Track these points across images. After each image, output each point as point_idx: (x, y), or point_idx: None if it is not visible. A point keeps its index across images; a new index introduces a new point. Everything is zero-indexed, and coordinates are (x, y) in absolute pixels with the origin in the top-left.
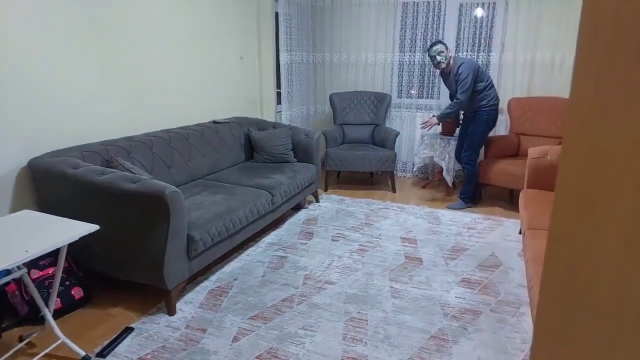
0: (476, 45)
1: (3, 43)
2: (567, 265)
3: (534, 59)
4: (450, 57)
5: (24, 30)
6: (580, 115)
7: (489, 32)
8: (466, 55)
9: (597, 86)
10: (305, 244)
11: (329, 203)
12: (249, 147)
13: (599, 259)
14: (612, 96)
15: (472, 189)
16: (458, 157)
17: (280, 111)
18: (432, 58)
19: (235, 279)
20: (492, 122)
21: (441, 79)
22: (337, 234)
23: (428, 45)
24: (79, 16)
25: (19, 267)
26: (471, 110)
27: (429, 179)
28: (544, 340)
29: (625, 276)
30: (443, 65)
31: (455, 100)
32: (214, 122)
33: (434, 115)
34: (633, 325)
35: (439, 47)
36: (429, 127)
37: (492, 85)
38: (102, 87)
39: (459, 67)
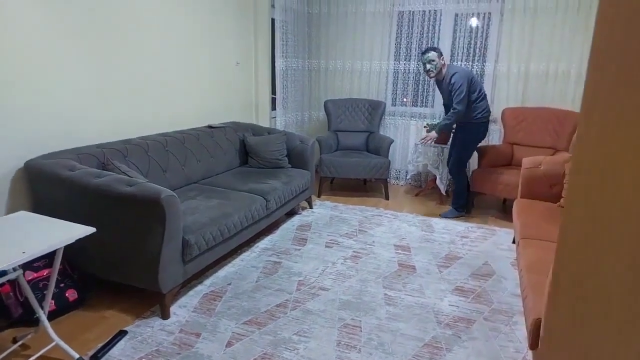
0: (471, 55)
1: (0, 45)
2: (575, 279)
3: (528, 69)
4: (443, 64)
5: (22, 33)
6: (591, 136)
7: (483, 42)
8: (461, 65)
9: (607, 106)
10: (299, 249)
11: (323, 209)
12: (244, 152)
13: (606, 274)
14: (622, 116)
15: (464, 198)
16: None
17: (275, 117)
18: (423, 65)
19: (229, 284)
20: (482, 134)
21: (436, 86)
22: (330, 240)
23: (422, 52)
24: (76, 20)
25: (14, 269)
26: (462, 121)
27: (422, 187)
28: (552, 350)
29: (634, 292)
30: (432, 74)
31: (452, 110)
32: (210, 126)
33: (426, 127)
34: None
35: (431, 55)
36: (430, 142)
37: (485, 97)
38: (99, 90)
39: (452, 77)
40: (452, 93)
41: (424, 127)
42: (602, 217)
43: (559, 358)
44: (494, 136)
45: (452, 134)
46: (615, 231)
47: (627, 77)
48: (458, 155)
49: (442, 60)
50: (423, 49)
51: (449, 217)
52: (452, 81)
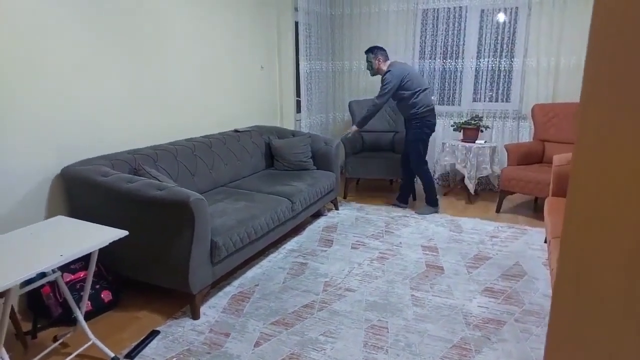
0: (498, 51)
1: (37, 58)
2: (576, 275)
3: (558, 63)
4: (379, 64)
5: (56, 45)
6: (591, 126)
7: (511, 37)
8: (487, 62)
9: (607, 98)
10: (325, 251)
11: (349, 210)
12: (270, 155)
13: (606, 270)
14: (622, 106)
15: (434, 193)
16: (402, 164)
17: (300, 119)
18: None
19: (257, 285)
20: (427, 128)
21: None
22: (356, 241)
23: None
24: (109, 34)
25: (53, 271)
26: (405, 117)
27: (451, 186)
28: (557, 344)
29: (631, 287)
30: (370, 75)
31: (371, 103)
32: (236, 130)
33: (453, 126)
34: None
35: (368, 56)
36: (350, 134)
37: (424, 92)
38: (129, 98)
39: (385, 74)
40: (380, 89)
41: (451, 126)
42: (598, 215)
43: (564, 354)
44: (524, 133)
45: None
46: (611, 230)
47: (625, 69)
48: (414, 152)
49: (378, 60)
50: (449, 50)
51: (425, 214)
52: (384, 77)
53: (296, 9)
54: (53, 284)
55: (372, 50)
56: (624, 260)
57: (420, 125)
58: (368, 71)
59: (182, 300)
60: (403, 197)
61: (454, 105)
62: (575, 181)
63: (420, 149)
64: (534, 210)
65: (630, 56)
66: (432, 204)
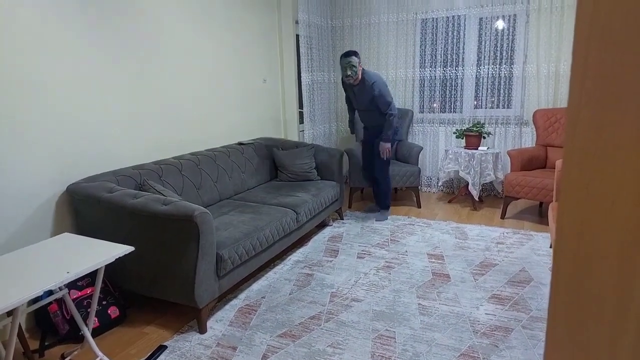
0: (498, 58)
1: (40, 75)
2: (572, 277)
3: (557, 69)
4: (360, 68)
5: (60, 61)
6: (578, 133)
7: (510, 44)
8: (488, 69)
9: (597, 100)
10: (331, 261)
11: (354, 220)
12: (274, 166)
13: (600, 271)
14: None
15: (390, 197)
16: (366, 172)
17: (303, 130)
18: (344, 69)
19: (263, 297)
20: (396, 135)
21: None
22: (362, 251)
23: (343, 53)
24: (111, 47)
25: (60, 288)
26: (377, 125)
27: (455, 193)
28: (556, 345)
29: (625, 288)
30: (351, 80)
31: (389, 118)
32: (240, 143)
33: (455, 133)
34: (634, 333)
35: (353, 59)
36: (386, 153)
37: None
38: (133, 113)
39: (373, 85)
40: (379, 103)
41: (453, 133)
42: (589, 216)
43: (562, 351)
44: (527, 139)
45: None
46: (602, 232)
47: (612, 70)
48: (386, 159)
49: (361, 66)
50: (449, 58)
51: (382, 220)
52: (376, 92)
53: (297, 22)
54: (60, 301)
55: (356, 54)
56: (617, 260)
57: (393, 131)
58: (345, 77)
59: (188, 315)
60: (388, 202)
61: (455, 112)
62: (566, 185)
63: (391, 155)
64: (539, 215)
65: (616, 57)
66: (387, 207)
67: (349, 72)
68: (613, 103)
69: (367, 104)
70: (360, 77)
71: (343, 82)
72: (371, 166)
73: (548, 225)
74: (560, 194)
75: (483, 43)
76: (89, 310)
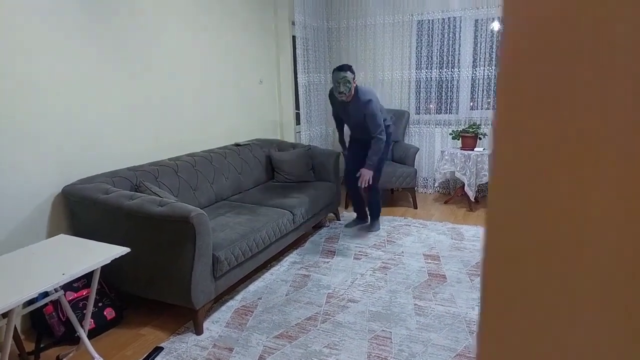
0: (494, 59)
1: (37, 75)
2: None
3: None
4: (354, 85)
5: (56, 62)
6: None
7: None
8: (483, 70)
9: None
10: (328, 262)
11: (350, 221)
12: (270, 167)
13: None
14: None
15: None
16: (350, 183)
17: (300, 131)
18: (337, 84)
19: (260, 298)
20: (387, 147)
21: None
22: (359, 251)
23: (336, 67)
24: (108, 49)
25: (56, 290)
26: (368, 139)
27: (451, 194)
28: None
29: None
30: (344, 97)
31: (378, 142)
32: (236, 144)
33: (451, 134)
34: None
35: (348, 75)
36: (366, 182)
37: (389, 120)
38: (130, 114)
39: (367, 104)
40: (370, 125)
41: (449, 134)
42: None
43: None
44: None
45: (479, 140)
46: (531, 229)
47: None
48: (378, 170)
49: (355, 82)
50: (445, 59)
51: (376, 230)
52: (370, 111)
53: (293, 23)
54: (56, 303)
55: (351, 69)
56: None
57: (387, 142)
58: (338, 94)
59: (185, 316)
60: (362, 214)
61: (451, 113)
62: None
63: (382, 166)
64: None
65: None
66: (377, 216)
67: (342, 89)
68: (532, 106)
69: (361, 121)
70: (353, 94)
71: (331, 96)
72: (352, 176)
73: None
74: (488, 196)
75: (479, 44)
76: (84, 311)
